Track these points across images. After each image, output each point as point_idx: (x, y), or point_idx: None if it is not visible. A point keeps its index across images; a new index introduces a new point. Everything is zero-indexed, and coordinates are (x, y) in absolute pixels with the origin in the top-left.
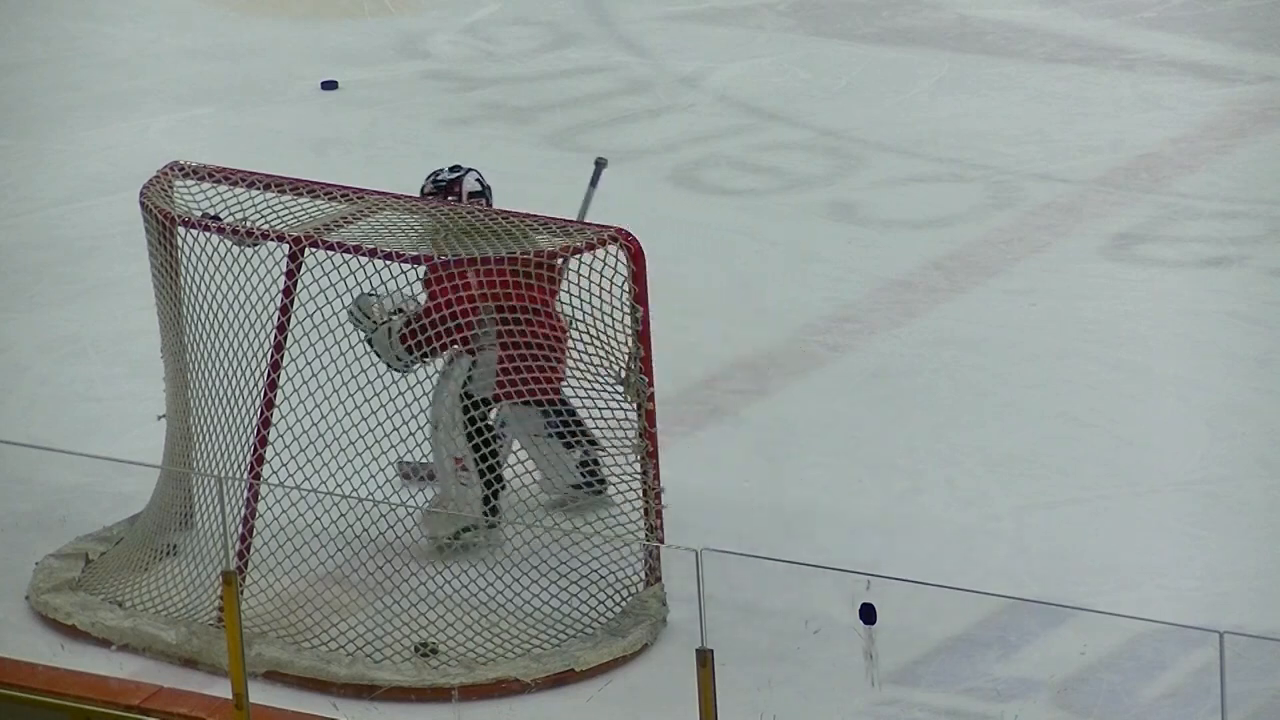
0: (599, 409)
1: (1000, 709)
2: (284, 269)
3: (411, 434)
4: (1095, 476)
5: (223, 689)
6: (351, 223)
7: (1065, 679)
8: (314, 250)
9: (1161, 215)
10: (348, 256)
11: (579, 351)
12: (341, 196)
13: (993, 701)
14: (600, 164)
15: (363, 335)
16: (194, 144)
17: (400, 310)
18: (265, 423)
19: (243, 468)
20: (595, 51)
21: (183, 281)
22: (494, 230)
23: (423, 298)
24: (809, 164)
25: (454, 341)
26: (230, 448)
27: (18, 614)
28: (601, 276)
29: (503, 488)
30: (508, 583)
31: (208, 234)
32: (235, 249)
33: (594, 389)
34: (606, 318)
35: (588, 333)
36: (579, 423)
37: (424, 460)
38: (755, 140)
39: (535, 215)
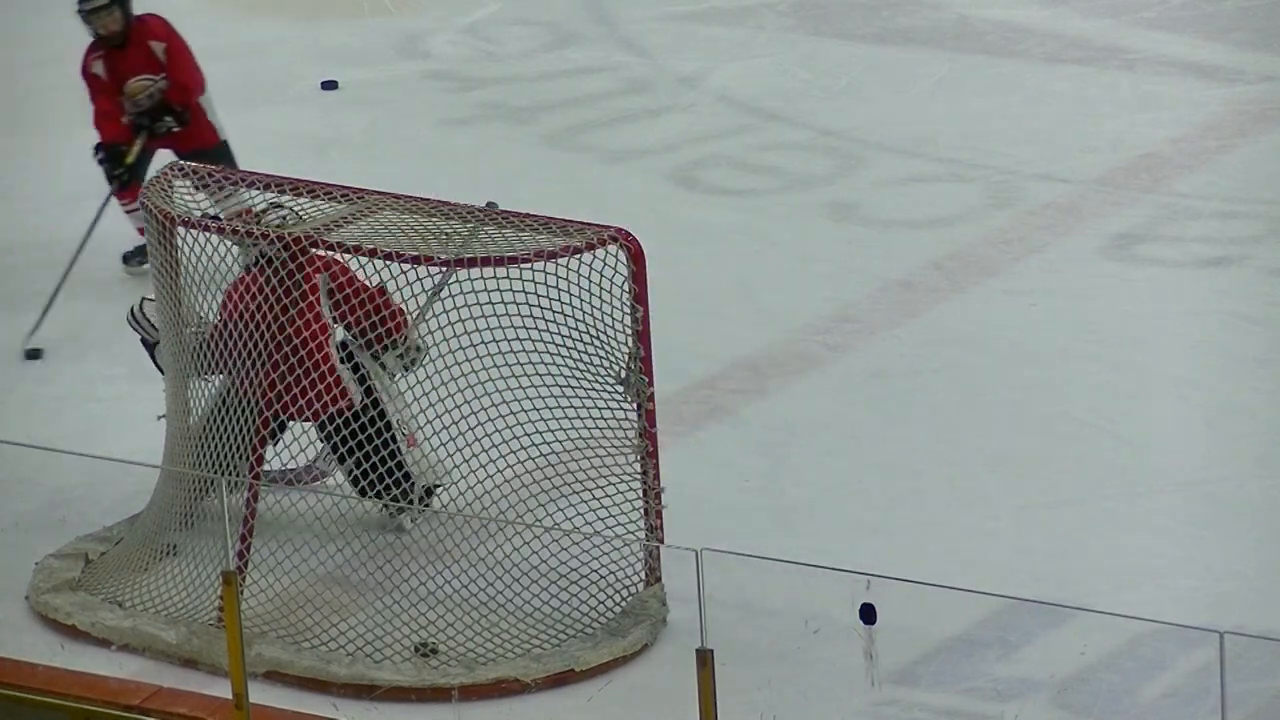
0: (599, 409)
1: (1000, 709)
2: (285, 269)
3: (411, 432)
4: (1095, 476)
5: (223, 689)
6: (351, 223)
7: (1065, 679)
8: (314, 250)
9: (1161, 215)
10: (348, 256)
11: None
12: (341, 196)
13: (993, 701)
14: (491, 207)
15: (142, 339)
16: None
17: (188, 324)
18: (265, 423)
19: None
20: (595, 51)
21: (183, 281)
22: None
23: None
24: (809, 164)
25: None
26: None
27: (18, 614)
28: (601, 276)
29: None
30: (508, 583)
31: (208, 234)
32: (235, 249)
33: (594, 389)
34: (606, 318)
35: (588, 333)
36: (341, 442)
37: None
38: (755, 140)
39: (534, 215)
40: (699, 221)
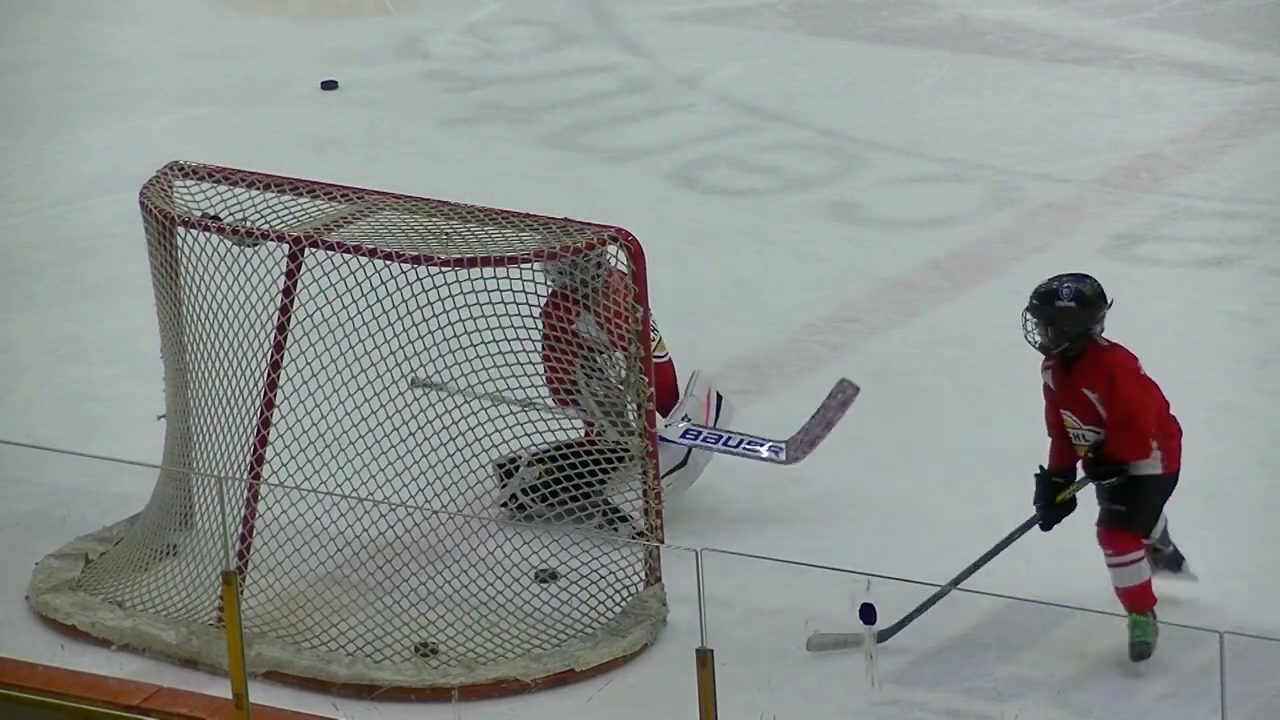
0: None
1: (1000, 709)
2: (284, 269)
3: (412, 433)
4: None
5: (223, 689)
6: (351, 223)
7: (1065, 679)
8: (314, 250)
9: (1161, 215)
10: (348, 256)
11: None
12: (341, 196)
13: (993, 701)
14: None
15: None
16: (194, 144)
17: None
18: (265, 423)
19: (243, 468)
20: (595, 51)
21: (183, 281)
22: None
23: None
24: (809, 164)
25: None
26: (230, 448)
27: (18, 614)
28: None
29: None
30: (508, 583)
31: (208, 234)
32: (235, 249)
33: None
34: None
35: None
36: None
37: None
38: (755, 140)
39: (534, 215)
40: (699, 221)
